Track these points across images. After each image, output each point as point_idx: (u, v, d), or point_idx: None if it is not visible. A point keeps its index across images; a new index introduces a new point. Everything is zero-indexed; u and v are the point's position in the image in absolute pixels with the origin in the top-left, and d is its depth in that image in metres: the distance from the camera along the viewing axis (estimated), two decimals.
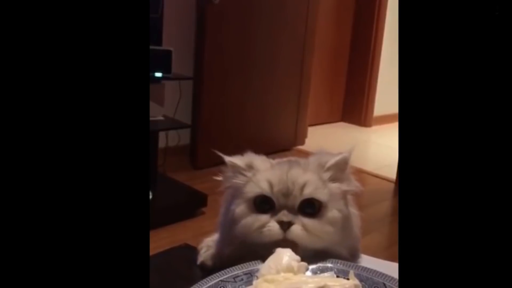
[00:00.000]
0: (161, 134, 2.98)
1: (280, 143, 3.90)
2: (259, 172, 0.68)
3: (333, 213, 0.65)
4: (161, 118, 2.76)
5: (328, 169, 0.68)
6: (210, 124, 3.33)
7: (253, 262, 0.60)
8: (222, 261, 0.68)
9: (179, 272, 0.70)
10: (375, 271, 0.57)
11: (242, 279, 0.57)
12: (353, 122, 5.10)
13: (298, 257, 0.58)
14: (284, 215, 0.63)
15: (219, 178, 0.71)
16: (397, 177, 3.03)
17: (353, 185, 0.70)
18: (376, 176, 3.52)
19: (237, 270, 0.58)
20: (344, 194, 0.69)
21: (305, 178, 0.65)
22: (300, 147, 4.08)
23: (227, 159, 0.70)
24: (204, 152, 3.30)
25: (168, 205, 2.60)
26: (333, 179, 0.68)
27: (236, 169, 0.69)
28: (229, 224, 0.67)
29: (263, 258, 0.61)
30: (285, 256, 0.57)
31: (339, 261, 0.61)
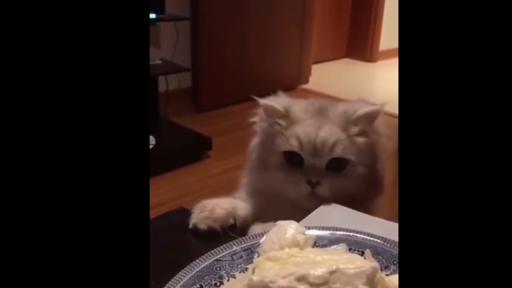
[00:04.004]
0: (161, 78, 2.89)
1: (284, 82, 3.77)
2: (293, 125, 0.68)
3: (359, 170, 0.68)
4: (159, 62, 2.66)
5: (356, 121, 0.67)
6: (211, 65, 3.21)
7: (253, 235, 0.53)
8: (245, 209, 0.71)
9: (172, 243, 0.62)
10: (393, 242, 0.50)
11: (241, 256, 0.50)
12: (358, 58, 4.93)
13: (303, 229, 0.50)
14: (313, 175, 0.67)
15: (254, 120, 0.72)
16: None
17: (381, 135, 0.70)
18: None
19: (235, 246, 0.51)
20: (372, 147, 0.69)
21: (335, 138, 0.66)
22: (304, 86, 3.96)
23: (262, 101, 0.69)
24: (207, 95, 3.22)
25: (173, 150, 2.56)
26: (361, 133, 0.68)
27: (272, 113, 0.69)
28: (260, 169, 0.71)
29: (288, 211, 0.61)
30: (289, 228, 0.49)
31: (352, 232, 0.53)
